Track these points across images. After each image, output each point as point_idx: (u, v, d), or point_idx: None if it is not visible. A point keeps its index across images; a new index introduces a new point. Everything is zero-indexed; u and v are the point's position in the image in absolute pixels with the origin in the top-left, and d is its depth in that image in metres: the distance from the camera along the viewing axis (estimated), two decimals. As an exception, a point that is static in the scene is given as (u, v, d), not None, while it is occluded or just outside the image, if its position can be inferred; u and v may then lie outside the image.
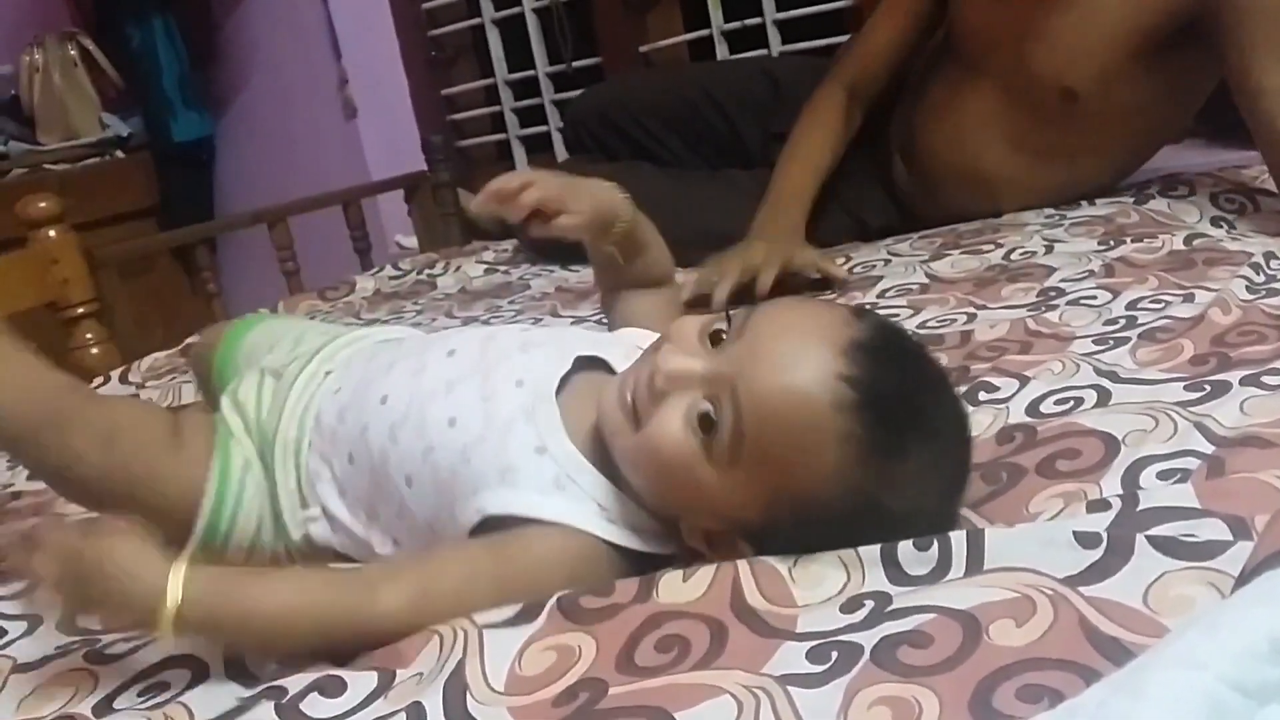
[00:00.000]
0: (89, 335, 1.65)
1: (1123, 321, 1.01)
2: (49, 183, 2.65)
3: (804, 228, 1.48)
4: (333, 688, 0.62)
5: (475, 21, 2.63)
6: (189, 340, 1.70)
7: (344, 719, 0.60)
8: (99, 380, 1.58)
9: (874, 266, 1.45)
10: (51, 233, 1.63)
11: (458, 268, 1.98)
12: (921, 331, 1.10)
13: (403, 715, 0.58)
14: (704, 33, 2.34)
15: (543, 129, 2.61)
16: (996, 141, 1.56)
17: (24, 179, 2.70)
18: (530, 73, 2.58)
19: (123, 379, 1.57)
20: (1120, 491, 0.67)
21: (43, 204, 1.63)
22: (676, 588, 0.64)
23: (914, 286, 1.30)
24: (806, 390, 0.62)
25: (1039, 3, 1.44)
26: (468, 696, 0.59)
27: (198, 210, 2.90)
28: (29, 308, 1.65)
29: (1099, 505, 0.65)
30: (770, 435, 0.63)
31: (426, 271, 2.00)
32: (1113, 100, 1.45)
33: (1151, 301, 1.05)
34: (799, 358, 0.63)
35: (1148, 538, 0.59)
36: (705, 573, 0.65)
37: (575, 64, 2.50)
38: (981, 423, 0.83)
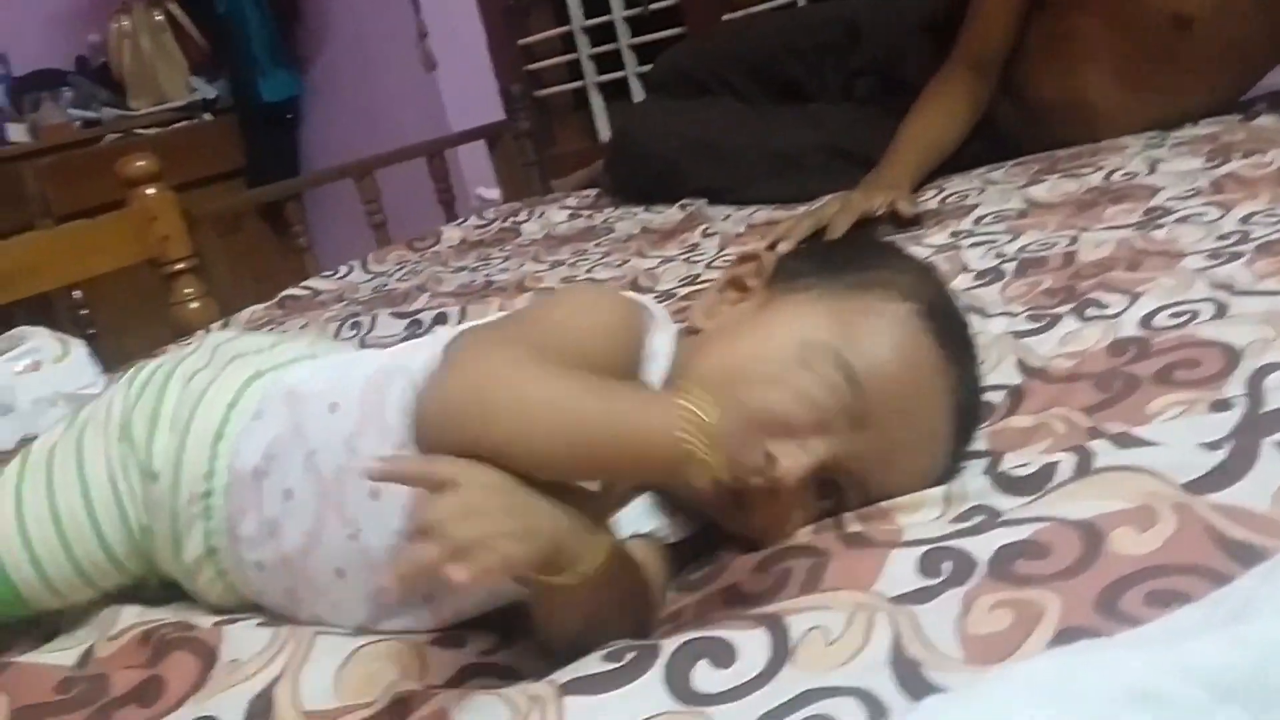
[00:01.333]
0: (188, 290, 1.70)
1: (1236, 236, 0.97)
2: (141, 147, 2.72)
3: (906, 187, 1.44)
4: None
5: (551, -33, 2.62)
6: (284, 293, 1.74)
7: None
8: (199, 333, 1.62)
9: (968, 195, 1.42)
10: (150, 191, 1.67)
11: (541, 214, 1.98)
12: (1024, 255, 1.07)
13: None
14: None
15: (619, 74, 2.59)
16: (1104, 73, 1.53)
17: (116, 144, 2.77)
18: (607, 17, 2.56)
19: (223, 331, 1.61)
20: (1245, 392, 0.64)
21: (140, 163, 1.68)
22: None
23: (1011, 212, 1.27)
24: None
25: None
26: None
27: (284, 170, 2.94)
28: (131, 264, 1.70)
29: (1220, 406, 0.63)
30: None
31: (511, 219, 2.00)
32: (1223, 29, 1.42)
33: (1265, 215, 1.01)
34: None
35: (1275, 443, 0.57)
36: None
37: (653, 5, 2.48)
38: (1090, 337, 0.82)
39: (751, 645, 0.53)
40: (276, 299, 1.71)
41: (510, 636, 0.62)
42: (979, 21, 1.58)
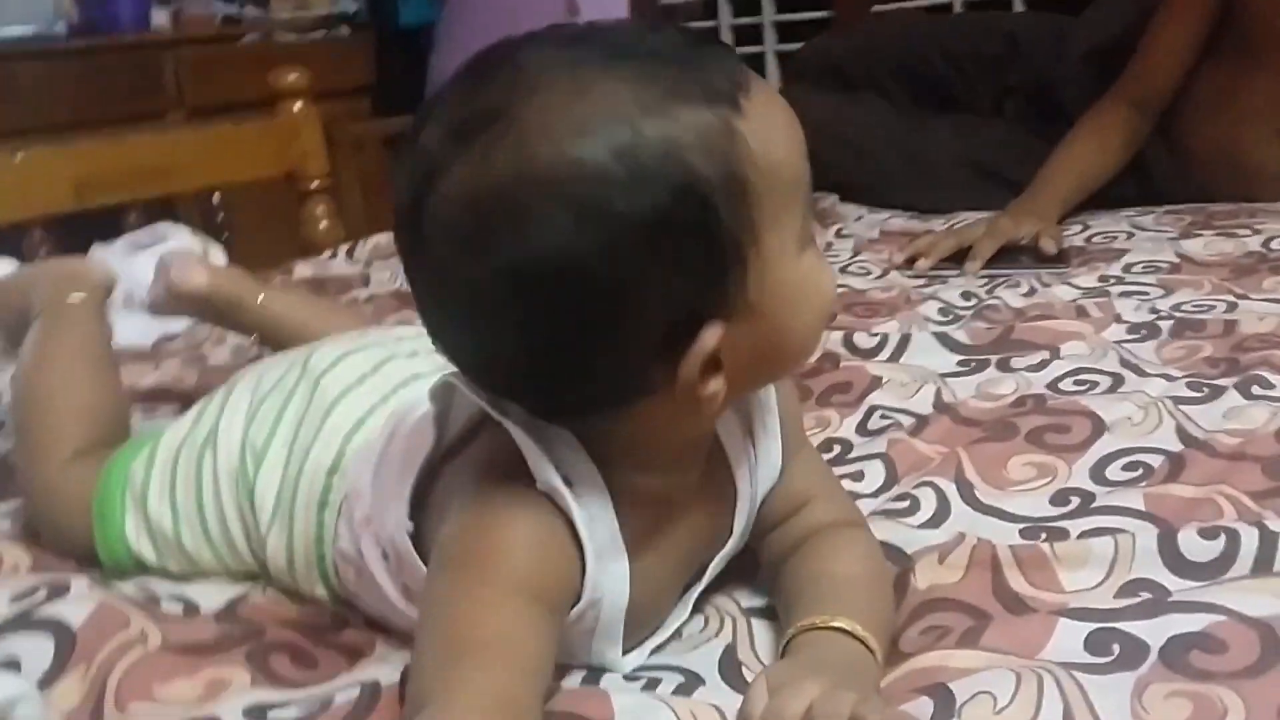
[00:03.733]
0: (320, 210, 1.72)
1: None
2: (277, 50, 2.75)
3: (1054, 218, 1.41)
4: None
5: (704, -69, 2.59)
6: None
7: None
8: (327, 254, 1.65)
9: (1115, 238, 1.39)
10: (297, 106, 1.69)
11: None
12: (1178, 314, 1.05)
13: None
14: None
15: (758, 49, 2.57)
16: (1268, 135, 1.47)
17: (254, 45, 2.80)
18: (754, -10, 2.54)
19: (349, 255, 1.64)
20: None
21: (292, 76, 1.69)
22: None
23: (1163, 265, 1.24)
24: None
25: None
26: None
27: (411, 95, 2.96)
28: (267, 177, 1.72)
29: None
30: None
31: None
32: None
33: None
34: None
35: None
36: (961, 552, 0.65)
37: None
38: (1257, 417, 0.80)
39: (914, 708, 0.53)
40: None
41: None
42: (1148, 59, 1.53)
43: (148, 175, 1.59)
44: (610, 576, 0.56)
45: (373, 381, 0.72)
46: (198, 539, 0.74)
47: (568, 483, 0.54)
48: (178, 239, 1.39)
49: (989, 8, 2.17)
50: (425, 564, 0.59)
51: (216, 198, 1.70)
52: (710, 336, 0.51)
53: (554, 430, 0.55)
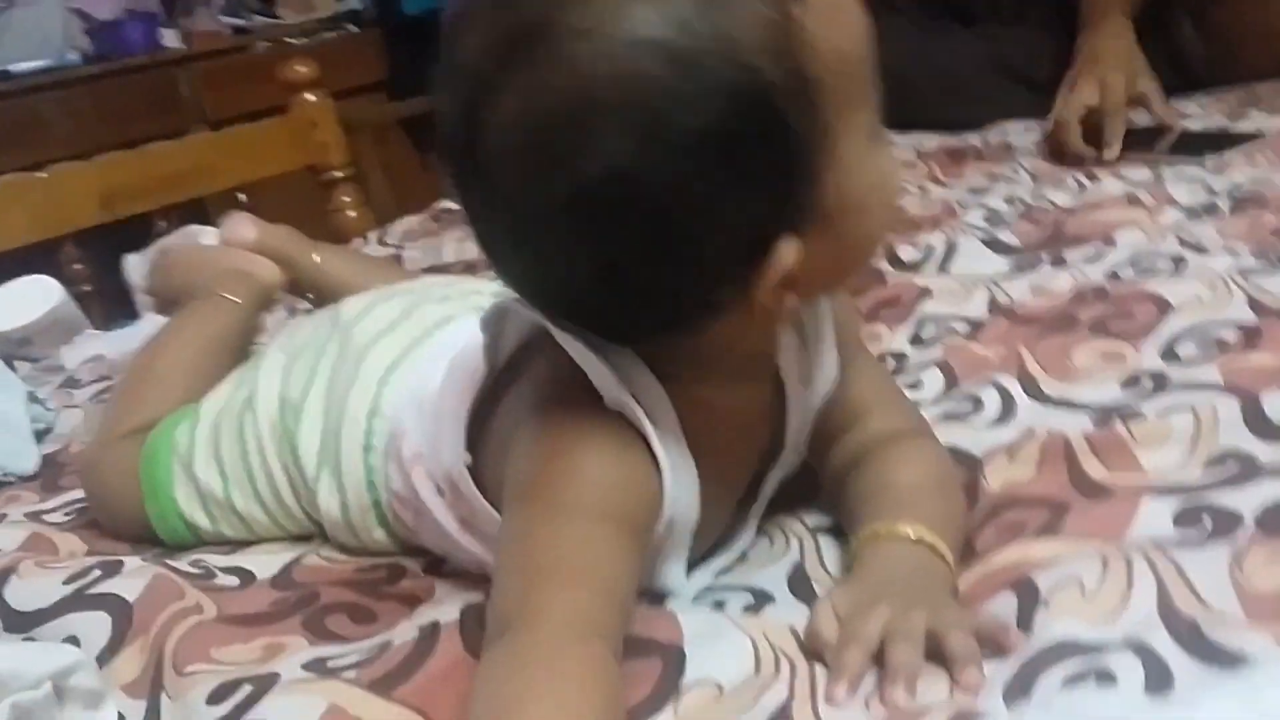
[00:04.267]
0: (345, 198, 1.71)
1: None
2: (292, 55, 2.74)
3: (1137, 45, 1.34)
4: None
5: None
6: (439, 205, 1.75)
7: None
8: (357, 241, 1.64)
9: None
10: (310, 97, 1.68)
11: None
12: (1239, 193, 1.00)
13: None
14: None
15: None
16: None
17: (267, 52, 2.80)
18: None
19: (380, 241, 1.62)
20: None
21: (301, 68, 1.69)
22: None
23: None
24: None
25: None
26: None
27: (426, 83, 2.94)
28: (290, 170, 1.72)
29: None
30: None
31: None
32: None
33: None
34: None
35: None
36: (1031, 447, 0.62)
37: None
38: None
39: (997, 608, 0.50)
40: (430, 211, 1.72)
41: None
42: None
43: (171, 182, 1.59)
44: (683, 492, 0.54)
45: (404, 327, 0.70)
46: (249, 500, 0.73)
47: (634, 399, 0.51)
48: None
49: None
50: (485, 496, 0.57)
51: (243, 198, 1.70)
52: (787, 253, 0.47)
53: (612, 346, 0.52)
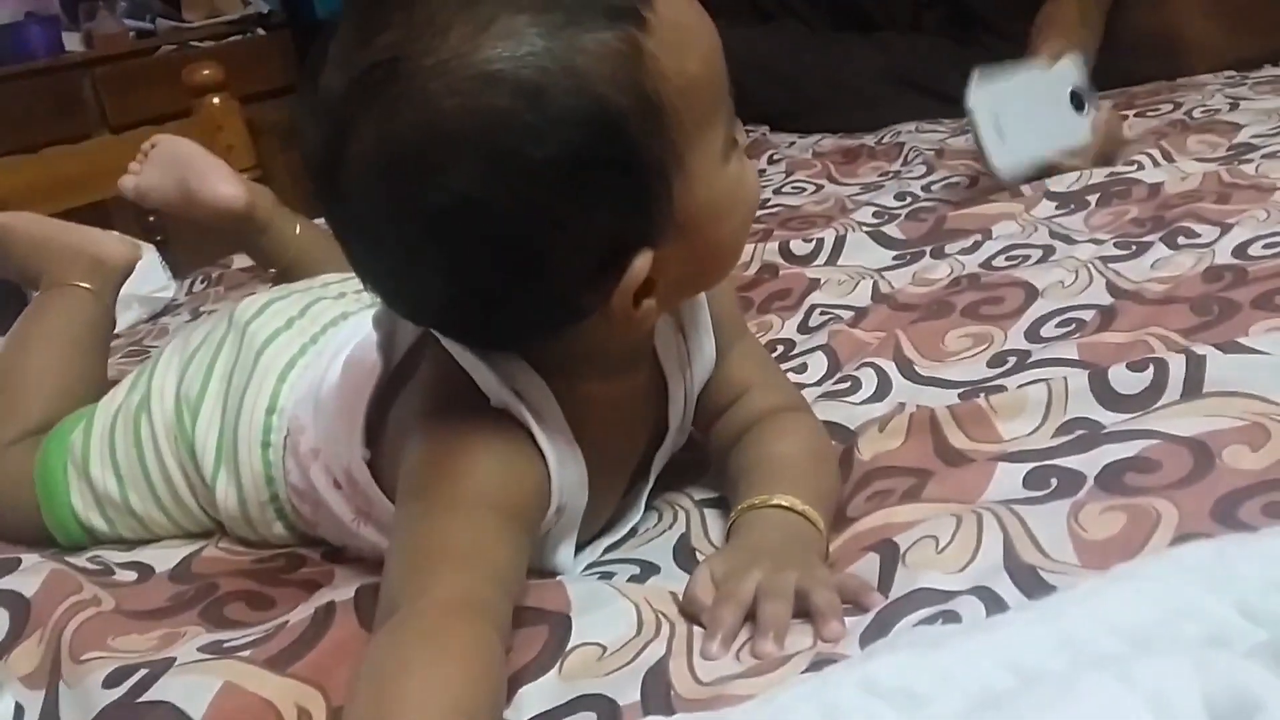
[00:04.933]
0: (251, 201, 1.70)
1: (1329, 172, 0.96)
2: (197, 58, 2.71)
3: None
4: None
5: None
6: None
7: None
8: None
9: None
10: (216, 100, 1.67)
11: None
12: (1109, 188, 1.06)
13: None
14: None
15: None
16: (1197, 8, 1.49)
17: (171, 55, 2.76)
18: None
19: (286, 242, 1.62)
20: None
21: (206, 71, 1.68)
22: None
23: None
24: None
25: None
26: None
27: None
28: (195, 174, 1.70)
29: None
30: None
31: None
32: None
33: (1359, 153, 0.99)
34: None
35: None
36: (900, 419, 0.66)
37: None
38: (1183, 264, 0.82)
39: (860, 567, 0.53)
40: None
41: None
42: None
43: (73, 185, 1.57)
44: (570, 482, 0.56)
45: (300, 324, 0.72)
46: (146, 501, 0.73)
47: (518, 396, 0.54)
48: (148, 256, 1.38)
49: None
50: (382, 488, 0.59)
51: (145, 201, 1.68)
52: (641, 265, 0.50)
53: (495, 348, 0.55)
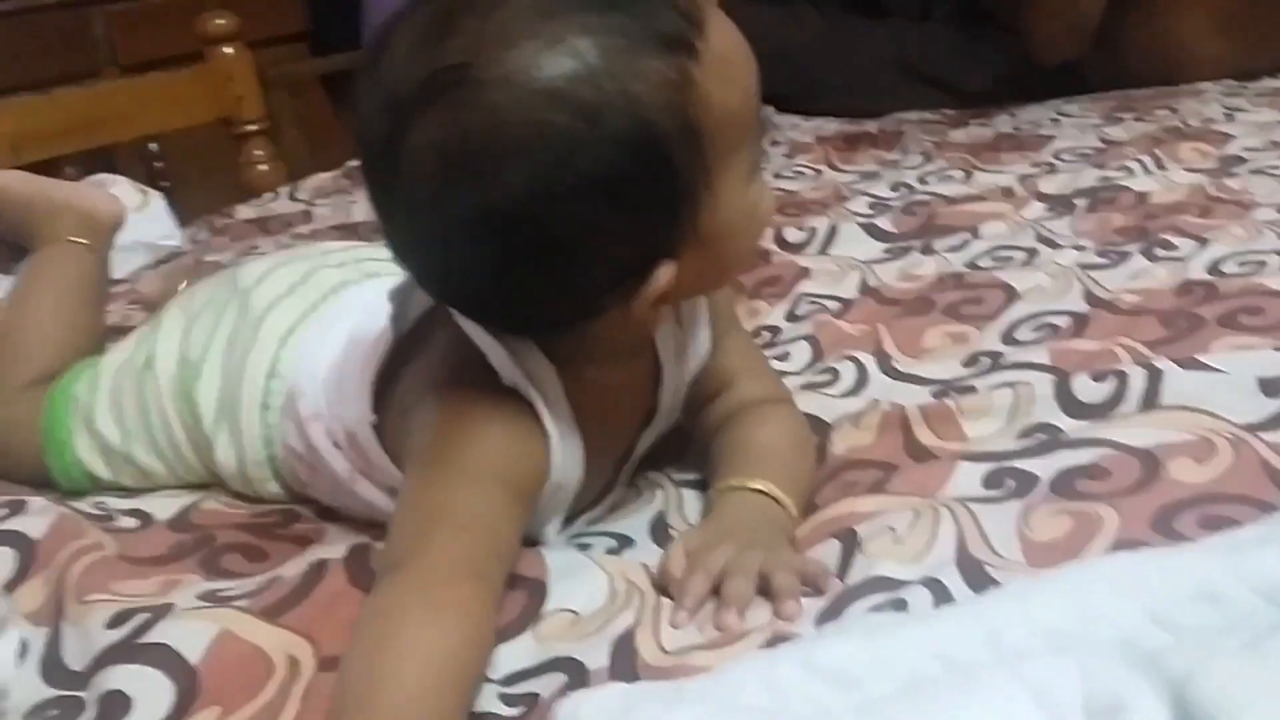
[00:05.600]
0: (259, 152, 1.73)
1: (1310, 192, 0.99)
2: (206, 1, 2.71)
3: None
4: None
5: None
6: (351, 163, 1.76)
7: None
8: (269, 196, 1.66)
9: (1041, 125, 1.43)
10: (228, 50, 1.69)
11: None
12: (1098, 193, 1.09)
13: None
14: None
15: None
16: (1200, 22, 1.50)
17: (185, -2, 2.76)
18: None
19: (291, 196, 1.64)
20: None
21: (220, 20, 1.69)
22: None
23: (1089, 151, 1.28)
24: None
25: None
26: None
27: (347, 35, 2.92)
28: (203, 123, 1.72)
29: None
30: None
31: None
32: None
33: (1341, 175, 1.02)
34: None
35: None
36: (873, 415, 0.69)
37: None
38: (1158, 276, 0.85)
39: (822, 552, 0.57)
40: (343, 169, 1.74)
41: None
42: None
43: (82, 128, 1.59)
44: (569, 461, 0.60)
45: (302, 291, 0.75)
46: (149, 454, 0.76)
47: (527, 378, 0.57)
48: (117, 189, 1.40)
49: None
50: (388, 454, 0.62)
51: (154, 147, 1.70)
52: (664, 275, 0.54)
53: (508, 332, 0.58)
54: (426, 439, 0.57)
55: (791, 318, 0.93)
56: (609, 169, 0.50)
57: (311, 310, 0.73)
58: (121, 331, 1.12)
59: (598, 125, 0.49)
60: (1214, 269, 0.84)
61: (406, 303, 0.63)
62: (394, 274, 0.64)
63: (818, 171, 1.39)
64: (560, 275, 0.53)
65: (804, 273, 1.00)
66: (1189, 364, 0.66)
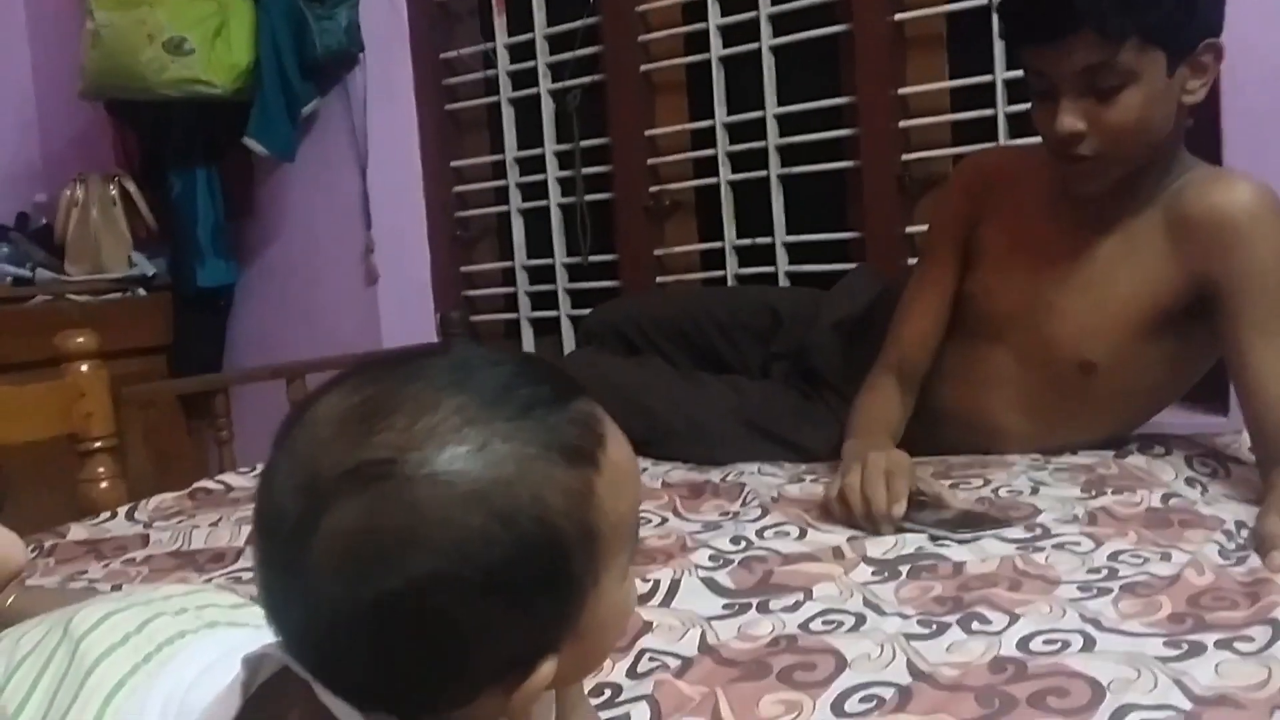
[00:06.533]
0: (101, 469, 1.69)
1: (1105, 571, 1.08)
2: (69, 312, 2.73)
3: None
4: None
5: (502, 209, 2.79)
6: (197, 485, 1.74)
7: None
8: (105, 515, 1.61)
9: (867, 488, 1.53)
10: (84, 367, 1.69)
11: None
12: (919, 557, 1.16)
13: None
14: (717, 245, 2.49)
15: (553, 314, 2.73)
16: (1009, 403, 1.64)
17: (46, 305, 2.77)
18: (548, 260, 2.72)
19: (129, 516, 1.60)
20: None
21: (80, 339, 1.70)
22: None
23: (907, 512, 1.37)
24: None
25: (1059, 283, 1.55)
26: None
27: (208, 353, 2.96)
28: (48, 437, 1.69)
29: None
30: None
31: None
32: (1125, 371, 1.54)
33: (1131, 555, 1.12)
34: None
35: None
36: None
37: (592, 258, 2.64)
38: (974, 650, 0.90)
39: None
40: (188, 490, 1.71)
41: None
42: (902, 330, 1.66)
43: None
44: None
45: (136, 641, 0.73)
46: None
47: None
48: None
49: (757, 281, 2.41)
50: None
51: (-10, 459, 1.66)
52: (547, 669, 0.57)
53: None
54: None
55: (633, 674, 0.94)
56: (513, 569, 0.53)
57: (144, 662, 0.71)
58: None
59: (510, 528, 0.53)
60: (1024, 646, 0.90)
61: (258, 669, 0.62)
62: (233, 624, 0.64)
63: (663, 519, 1.44)
64: (448, 664, 0.55)
65: (647, 626, 1.02)
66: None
